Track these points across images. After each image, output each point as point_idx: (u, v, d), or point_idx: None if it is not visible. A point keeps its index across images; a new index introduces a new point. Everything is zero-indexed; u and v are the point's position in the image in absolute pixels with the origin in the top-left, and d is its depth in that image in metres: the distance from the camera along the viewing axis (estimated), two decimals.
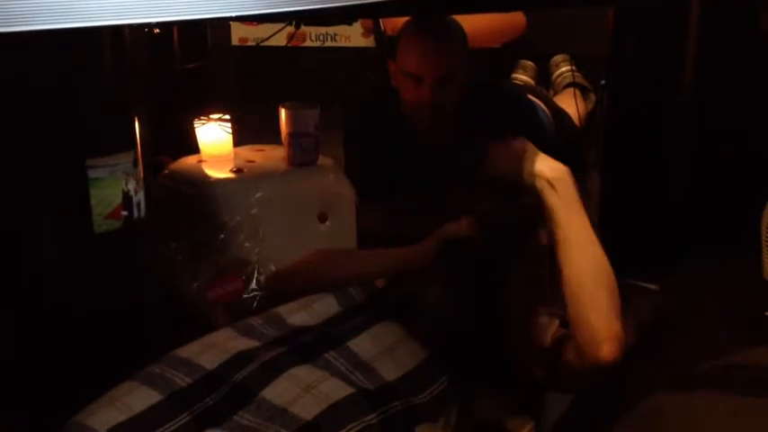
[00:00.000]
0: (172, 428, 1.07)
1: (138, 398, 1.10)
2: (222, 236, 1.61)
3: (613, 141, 2.20)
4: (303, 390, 1.12)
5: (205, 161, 1.82)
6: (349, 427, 1.08)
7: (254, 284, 1.58)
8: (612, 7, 2.07)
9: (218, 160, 1.81)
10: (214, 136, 1.86)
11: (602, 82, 2.57)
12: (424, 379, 1.23)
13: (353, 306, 1.35)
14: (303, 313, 1.33)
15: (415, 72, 1.97)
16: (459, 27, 2.05)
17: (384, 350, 1.25)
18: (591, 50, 2.69)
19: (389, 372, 1.21)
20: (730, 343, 1.74)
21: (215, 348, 1.20)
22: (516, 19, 2.96)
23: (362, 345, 1.24)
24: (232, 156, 1.85)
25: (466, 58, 2.02)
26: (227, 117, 1.87)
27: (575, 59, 2.95)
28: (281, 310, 1.34)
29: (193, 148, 1.91)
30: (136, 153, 1.32)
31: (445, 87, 1.96)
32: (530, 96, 2.31)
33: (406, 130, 2.07)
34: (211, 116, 1.87)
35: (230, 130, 1.86)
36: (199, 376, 1.14)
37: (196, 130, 1.88)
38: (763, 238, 2.03)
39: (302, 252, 1.70)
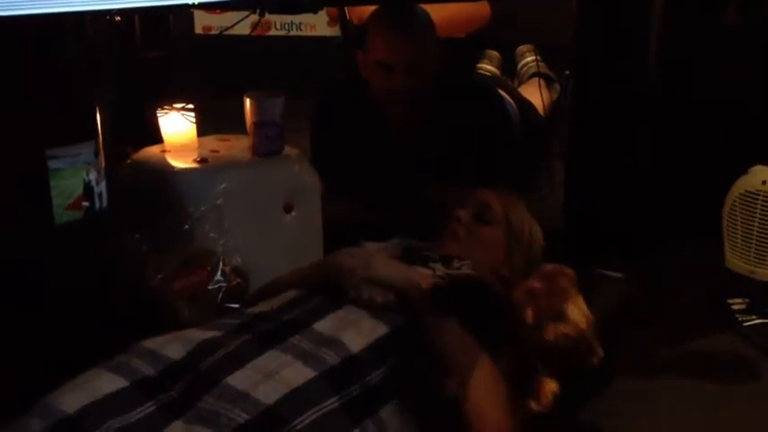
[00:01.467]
0: (138, 417, 1.08)
1: (104, 382, 1.11)
2: (186, 226, 1.59)
3: (578, 131, 2.21)
4: (265, 376, 1.13)
5: (169, 151, 1.79)
6: (310, 411, 1.10)
7: (219, 275, 1.56)
8: None
9: (181, 150, 1.79)
10: (177, 126, 1.84)
11: (567, 72, 2.59)
12: (387, 351, 1.24)
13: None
14: (267, 305, 1.33)
15: (385, 60, 1.96)
16: (426, 15, 2.05)
17: (349, 324, 1.26)
18: (556, 40, 2.70)
19: (354, 342, 1.22)
20: (693, 330, 1.76)
21: (179, 339, 1.20)
22: (481, 8, 2.96)
23: (327, 324, 1.25)
24: (196, 145, 1.82)
25: (435, 46, 2.02)
26: (191, 106, 1.85)
27: (540, 49, 2.96)
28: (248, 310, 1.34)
29: (157, 138, 1.88)
30: (97, 143, 1.30)
31: (415, 75, 1.97)
32: (495, 87, 2.32)
33: (374, 121, 2.06)
34: (174, 105, 1.84)
35: (194, 120, 1.84)
36: (163, 366, 1.15)
37: (159, 119, 1.85)
38: (725, 228, 2.06)
39: (268, 242, 1.70)
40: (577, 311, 1.37)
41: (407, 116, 2.04)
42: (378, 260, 1.36)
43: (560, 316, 1.35)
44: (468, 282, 1.34)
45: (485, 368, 1.25)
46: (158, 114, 1.85)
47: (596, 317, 1.43)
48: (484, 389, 1.23)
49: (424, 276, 1.34)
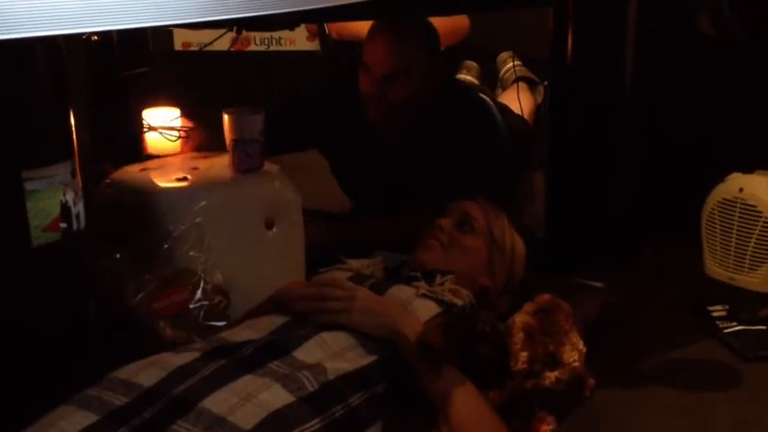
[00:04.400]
0: None
1: (73, 421, 1.08)
2: (166, 245, 1.58)
3: (557, 141, 2.22)
4: (243, 399, 1.10)
5: (148, 169, 1.79)
6: None
7: (200, 294, 1.55)
8: (552, 8, 2.10)
9: (161, 168, 1.78)
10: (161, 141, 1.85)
11: (546, 83, 2.60)
12: (373, 378, 1.24)
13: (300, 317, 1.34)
14: (248, 331, 1.31)
15: (366, 62, 1.99)
16: (425, 27, 2.06)
17: (332, 355, 1.25)
18: (534, 52, 2.72)
19: (335, 369, 1.21)
20: (674, 338, 1.77)
21: (153, 366, 1.18)
22: (460, 22, 2.97)
23: (309, 351, 1.24)
24: (176, 163, 1.82)
25: (427, 60, 2.02)
26: (176, 125, 1.85)
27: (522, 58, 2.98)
28: (224, 333, 1.32)
29: (136, 156, 1.88)
30: (74, 163, 1.29)
31: (394, 84, 1.97)
32: (484, 97, 2.33)
33: (361, 124, 2.07)
34: (160, 125, 1.85)
35: (176, 138, 1.84)
36: (137, 394, 1.13)
37: (145, 135, 1.85)
38: (704, 235, 2.08)
39: (249, 259, 1.69)
40: (572, 351, 1.37)
41: (387, 123, 2.05)
42: (360, 305, 1.31)
43: (555, 361, 1.35)
44: (460, 324, 1.30)
45: (486, 415, 1.24)
46: (144, 129, 1.85)
47: (578, 327, 1.44)
48: None
49: (410, 324, 1.30)
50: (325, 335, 1.28)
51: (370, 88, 1.99)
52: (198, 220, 1.62)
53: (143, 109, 2.57)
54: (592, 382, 1.39)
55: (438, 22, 2.15)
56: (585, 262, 2.03)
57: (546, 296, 1.39)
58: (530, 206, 2.32)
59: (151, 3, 0.87)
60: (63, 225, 1.27)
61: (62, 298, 1.31)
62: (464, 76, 2.97)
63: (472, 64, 3.03)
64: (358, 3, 1.10)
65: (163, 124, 1.87)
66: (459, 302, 1.47)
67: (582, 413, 1.44)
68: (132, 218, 1.65)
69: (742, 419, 1.49)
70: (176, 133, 1.95)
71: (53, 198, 1.25)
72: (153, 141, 1.84)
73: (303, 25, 3.08)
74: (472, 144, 2.04)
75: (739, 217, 1.97)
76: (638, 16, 2.05)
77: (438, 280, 1.50)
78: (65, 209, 1.27)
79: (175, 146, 1.84)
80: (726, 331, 1.77)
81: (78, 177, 1.30)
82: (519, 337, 1.32)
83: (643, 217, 2.20)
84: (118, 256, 1.59)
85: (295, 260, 1.78)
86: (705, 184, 2.08)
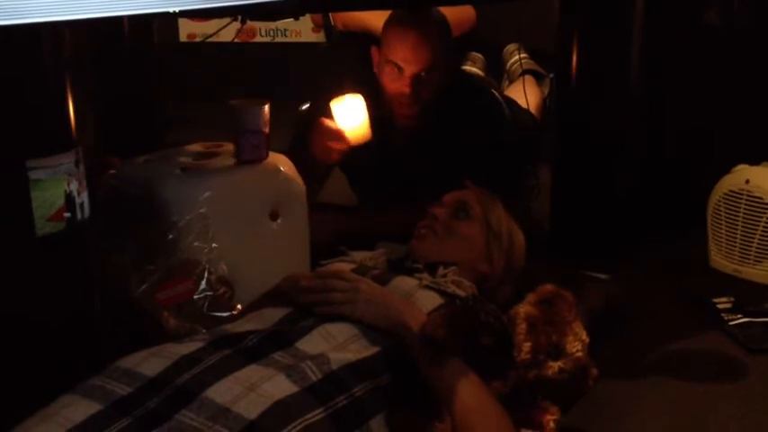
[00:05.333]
0: None
1: (77, 410, 1.08)
2: (171, 236, 1.58)
3: (563, 135, 2.22)
4: (247, 389, 1.11)
5: (152, 159, 1.78)
6: (293, 424, 1.07)
7: (204, 285, 1.55)
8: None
9: (165, 159, 1.78)
10: (353, 117, 1.93)
11: (551, 75, 2.59)
12: (376, 369, 1.23)
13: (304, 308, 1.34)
14: (252, 322, 1.32)
15: (398, 62, 1.98)
16: (443, 20, 2.06)
17: (335, 346, 1.25)
18: (539, 44, 2.71)
19: (339, 359, 1.21)
20: (679, 330, 1.77)
21: (157, 356, 1.18)
22: (466, 13, 2.96)
23: (312, 342, 1.24)
24: (183, 151, 1.81)
25: (447, 54, 2.02)
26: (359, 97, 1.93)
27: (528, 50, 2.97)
28: (228, 326, 1.32)
29: (142, 147, 1.87)
30: (78, 153, 1.29)
31: (425, 80, 1.98)
32: (492, 90, 2.32)
33: (382, 120, 2.07)
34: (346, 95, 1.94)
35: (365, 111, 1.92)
36: (141, 383, 1.13)
37: (333, 108, 1.92)
38: (709, 227, 2.07)
39: (253, 250, 1.69)
40: (575, 341, 1.36)
41: (412, 118, 2.05)
42: (363, 297, 1.31)
43: (559, 352, 1.34)
44: (463, 315, 1.29)
45: (490, 405, 1.23)
46: (332, 104, 1.94)
47: (583, 319, 1.43)
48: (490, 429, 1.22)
49: (414, 315, 1.30)
50: (329, 326, 1.28)
51: (403, 88, 1.99)
52: (202, 210, 1.62)
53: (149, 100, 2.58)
54: (595, 372, 1.39)
55: (444, 12, 2.15)
56: (590, 254, 2.03)
57: (549, 286, 1.39)
58: (535, 199, 2.31)
59: None
60: (67, 215, 1.27)
61: (66, 288, 1.31)
62: (469, 68, 2.96)
63: (477, 55, 3.03)
64: None
65: (353, 117, 1.94)
66: (462, 294, 1.47)
67: (585, 403, 1.44)
68: (137, 208, 1.65)
69: (747, 411, 1.48)
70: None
71: (57, 188, 1.25)
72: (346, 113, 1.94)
73: (309, 16, 3.08)
74: (479, 137, 2.04)
75: (745, 208, 1.97)
76: (645, 8, 2.04)
77: (441, 271, 1.50)
78: (69, 199, 1.27)
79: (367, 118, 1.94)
80: (731, 323, 1.77)
81: (83, 167, 1.30)
82: (522, 327, 1.32)
83: (648, 209, 2.20)
84: (122, 246, 1.59)
85: (299, 252, 1.78)
86: (711, 176, 2.07)
